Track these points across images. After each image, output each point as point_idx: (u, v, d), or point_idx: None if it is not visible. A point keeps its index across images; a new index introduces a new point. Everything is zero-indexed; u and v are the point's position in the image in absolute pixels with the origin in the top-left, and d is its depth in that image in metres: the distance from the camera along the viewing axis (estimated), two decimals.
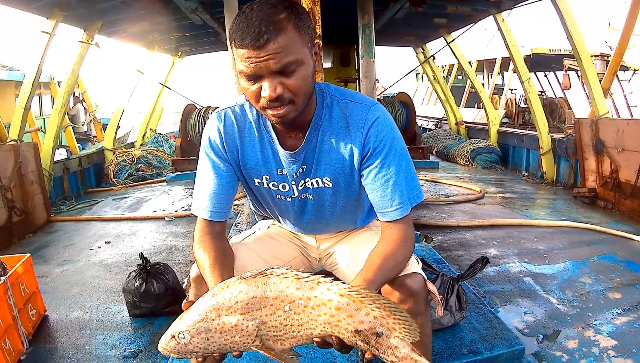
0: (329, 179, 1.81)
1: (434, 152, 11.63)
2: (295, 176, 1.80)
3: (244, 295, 1.28)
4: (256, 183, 1.88)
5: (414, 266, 1.78)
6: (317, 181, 1.82)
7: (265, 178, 1.84)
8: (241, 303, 1.29)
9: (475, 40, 15.87)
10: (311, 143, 1.74)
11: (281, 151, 1.76)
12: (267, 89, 1.47)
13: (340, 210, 1.96)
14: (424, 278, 1.77)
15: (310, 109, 1.69)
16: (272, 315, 1.29)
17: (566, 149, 7.44)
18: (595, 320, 3.16)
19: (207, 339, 1.32)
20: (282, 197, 1.89)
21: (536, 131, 8.32)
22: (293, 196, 1.87)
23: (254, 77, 1.49)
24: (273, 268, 1.31)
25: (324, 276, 1.31)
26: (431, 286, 1.81)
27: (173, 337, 1.35)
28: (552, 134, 8.30)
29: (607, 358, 2.71)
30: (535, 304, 3.44)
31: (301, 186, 1.84)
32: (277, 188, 1.86)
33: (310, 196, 1.87)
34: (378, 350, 1.31)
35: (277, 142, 1.75)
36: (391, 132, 1.73)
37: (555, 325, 3.12)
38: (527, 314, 3.29)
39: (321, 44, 1.61)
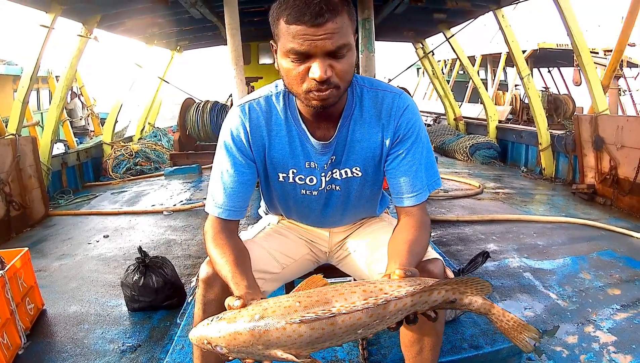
0: (358, 168, 1.80)
1: (432, 147, 11.58)
2: (324, 168, 1.78)
3: (305, 338, 1.21)
4: (280, 178, 1.83)
5: (432, 252, 1.79)
6: (346, 171, 1.80)
7: (292, 172, 1.80)
8: (300, 344, 1.22)
9: (480, 35, 15.72)
10: (342, 133, 1.73)
11: (313, 141, 1.73)
12: (317, 70, 1.44)
13: (364, 199, 1.95)
14: (443, 263, 1.76)
15: (342, 98, 1.67)
16: (339, 341, 1.27)
17: (565, 146, 7.43)
18: (594, 315, 3.16)
19: (244, 356, 1.29)
20: (307, 192, 1.86)
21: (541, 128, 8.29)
22: (320, 188, 1.84)
23: (304, 57, 1.46)
24: (338, 303, 1.23)
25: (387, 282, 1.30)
26: (449, 273, 1.81)
27: (210, 344, 1.30)
28: (554, 131, 8.30)
29: (606, 353, 2.71)
30: (535, 299, 3.44)
31: (329, 177, 1.81)
32: (303, 182, 1.83)
33: (338, 187, 1.85)
34: (456, 308, 1.38)
35: (307, 132, 1.72)
36: (419, 120, 1.75)
37: (555, 321, 3.12)
38: (527, 309, 3.29)
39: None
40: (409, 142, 1.72)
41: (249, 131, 1.73)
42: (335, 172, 1.80)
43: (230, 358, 1.31)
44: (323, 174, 1.80)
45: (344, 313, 1.21)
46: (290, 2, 1.43)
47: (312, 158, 1.76)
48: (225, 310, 1.33)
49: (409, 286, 1.26)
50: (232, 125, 1.75)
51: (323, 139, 1.73)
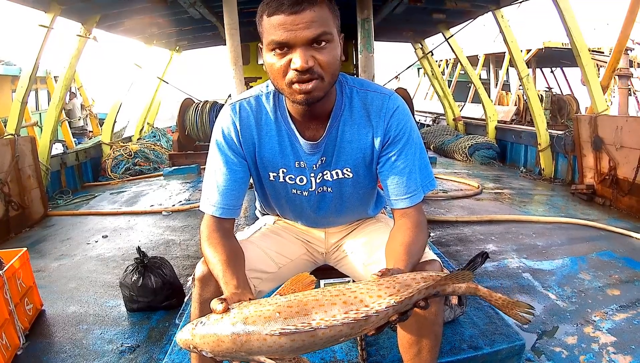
0: (349, 169, 1.80)
1: (431, 148, 11.62)
2: (314, 168, 1.78)
3: (286, 348, 1.21)
4: (271, 178, 1.84)
5: (430, 253, 1.78)
6: (337, 173, 1.80)
7: (282, 171, 1.81)
8: (281, 352, 1.23)
9: (483, 34, 15.60)
10: (332, 134, 1.73)
11: (302, 141, 1.73)
12: (298, 59, 1.45)
13: (358, 200, 1.95)
14: (441, 265, 1.76)
15: (331, 98, 1.68)
16: (321, 348, 1.27)
17: (564, 146, 7.43)
18: (594, 316, 3.15)
19: (230, 359, 1.29)
20: (298, 191, 1.86)
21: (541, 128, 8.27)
22: (310, 189, 1.84)
23: (285, 47, 1.46)
24: (318, 316, 1.22)
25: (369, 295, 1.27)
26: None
27: (196, 348, 1.30)
28: (554, 131, 8.29)
29: (606, 354, 2.71)
30: (534, 300, 3.43)
31: (319, 179, 1.81)
32: (293, 182, 1.83)
33: (329, 189, 1.85)
34: (440, 296, 1.40)
35: (296, 132, 1.72)
36: (409, 121, 1.74)
37: (554, 321, 3.11)
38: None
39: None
40: (401, 144, 1.72)
41: (239, 130, 1.74)
42: (326, 174, 1.80)
43: (219, 360, 1.31)
44: (313, 174, 1.80)
45: (323, 328, 1.21)
46: None
47: (301, 158, 1.77)
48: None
49: (389, 296, 1.25)
50: (223, 124, 1.76)
51: (312, 140, 1.73)
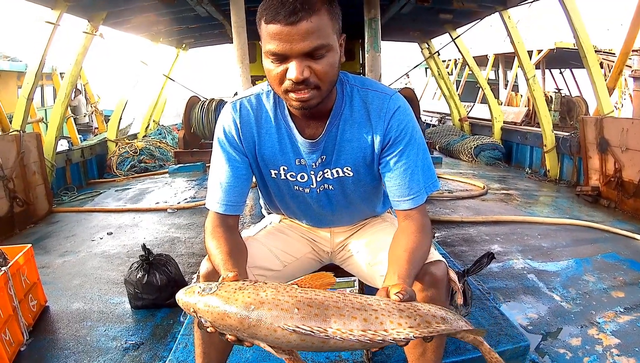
0: (349, 168, 1.79)
1: (437, 148, 11.60)
2: (314, 166, 1.78)
3: (292, 344, 1.21)
4: (273, 175, 1.85)
5: (435, 254, 1.78)
6: (337, 171, 1.80)
7: (283, 169, 1.81)
8: (285, 345, 1.23)
9: (493, 33, 15.49)
10: (331, 133, 1.73)
11: (300, 140, 1.73)
12: (294, 70, 1.44)
13: (359, 199, 1.95)
14: (446, 265, 1.76)
15: (331, 97, 1.68)
16: (322, 352, 1.27)
17: (570, 148, 7.40)
18: (598, 318, 3.15)
19: (226, 333, 1.28)
20: (300, 188, 1.87)
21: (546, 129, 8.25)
22: (312, 186, 1.84)
23: (281, 58, 1.46)
24: (336, 325, 1.21)
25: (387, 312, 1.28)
26: (452, 274, 1.80)
27: (195, 313, 1.30)
28: (558, 132, 8.27)
29: (610, 356, 2.70)
30: (539, 301, 3.43)
31: (320, 177, 1.82)
32: (295, 179, 1.83)
33: (331, 187, 1.85)
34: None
35: (295, 130, 1.73)
36: (411, 122, 1.73)
37: (558, 323, 3.10)
38: (531, 311, 3.27)
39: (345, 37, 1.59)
40: (402, 144, 1.71)
41: (239, 128, 1.76)
42: (327, 172, 1.81)
43: (211, 330, 1.30)
44: (313, 172, 1.81)
45: (338, 339, 1.20)
46: (269, 1, 1.44)
47: (301, 156, 1.77)
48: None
49: (409, 327, 1.25)
50: (225, 122, 1.78)
51: (312, 138, 1.73)
